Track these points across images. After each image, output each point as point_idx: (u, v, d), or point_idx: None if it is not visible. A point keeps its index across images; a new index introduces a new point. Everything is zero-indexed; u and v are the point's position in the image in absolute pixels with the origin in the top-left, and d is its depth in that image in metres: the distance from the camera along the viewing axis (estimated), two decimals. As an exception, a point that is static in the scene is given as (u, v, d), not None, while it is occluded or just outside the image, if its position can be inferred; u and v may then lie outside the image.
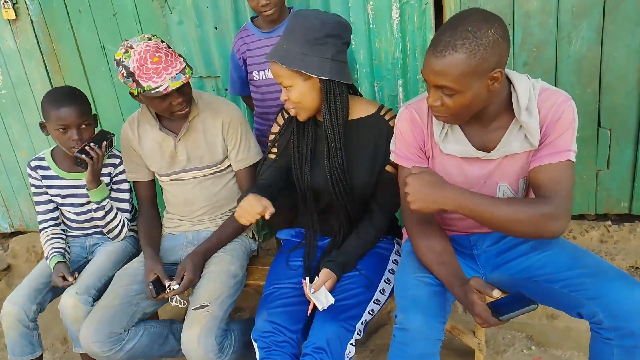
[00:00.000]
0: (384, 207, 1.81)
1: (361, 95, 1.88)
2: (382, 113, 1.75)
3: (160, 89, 1.76)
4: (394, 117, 1.75)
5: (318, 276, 1.70)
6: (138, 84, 1.77)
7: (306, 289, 1.65)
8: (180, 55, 1.86)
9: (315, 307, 1.64)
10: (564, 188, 1.40)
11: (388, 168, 1.76)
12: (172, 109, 1.87)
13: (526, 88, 1.43)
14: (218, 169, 2.05)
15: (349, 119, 1.73)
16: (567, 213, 1.40)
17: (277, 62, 1.60)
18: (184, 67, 1.82)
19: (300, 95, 1.63)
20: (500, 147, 1.48)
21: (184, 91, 1.86)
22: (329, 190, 1.76)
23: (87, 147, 1.95)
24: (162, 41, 1.85)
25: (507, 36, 1.34)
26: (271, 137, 1.90)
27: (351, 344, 1.60)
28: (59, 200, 2.16)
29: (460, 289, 1.40)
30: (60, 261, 2.04)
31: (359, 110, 1.76)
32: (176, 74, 1.78)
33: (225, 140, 2.00)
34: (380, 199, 1.81)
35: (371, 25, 2.17)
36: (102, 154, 1.97)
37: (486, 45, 1.29)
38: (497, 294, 1.29)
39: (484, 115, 1.46)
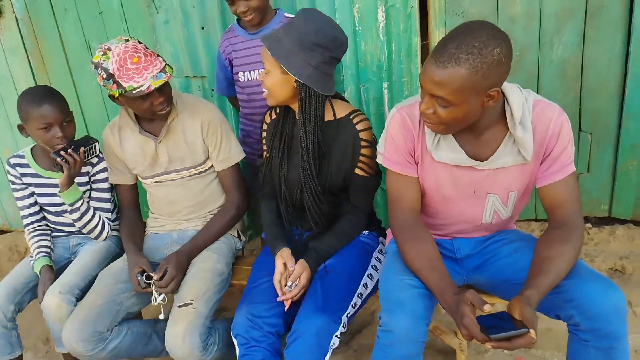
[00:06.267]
0: (358, 208, 1.85)
1: (344, 99, 1.89)
2: (351, 117, 1.75)
3: (142, 88, 1.76)
4: (362, 120, 1.75)
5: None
6: (119, 85, 1.77)
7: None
8: (158, 55, 1.85)
9: (293, 301, 1.68)
10: (576, 198, 1.48)
11: (357, 171, 1.79)
12: (154, 109, 1.86)
13: (519, 101, 1.43)
14: (201, 169, 2.05)
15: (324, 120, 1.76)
16: (583, 220, 1.49)
17: (265, 46, 1.65)
18: (164, 67, 1.82)
19: (272, 83, 1.69)
20: (493, 159, 1.49)
21: (165, 91, 1.86)
22: (302, 187, 1.79)
23: (62, 152, 1.91)
24: (140, 42, 1.84)
25: (511, 56, 1.32)
26: (263, 136, 1.93)
27: (336, 336, 1.61)
28: (39, 199, 2.14)
29: (453, 298, 1.36)
30: (46, 264, 2.02)
31: (334, 112, 1.76)
32: (157, 73, 1.78)
33: (206, 141, 2.00)
34: (354, 200, 1.84)
35: (357, 28, 2.18)
36: (79, 160, 1.94)
37: (489, 64, 1.27)
38: (488, 308, 1.28)
39: (476, 125, 1.45)
